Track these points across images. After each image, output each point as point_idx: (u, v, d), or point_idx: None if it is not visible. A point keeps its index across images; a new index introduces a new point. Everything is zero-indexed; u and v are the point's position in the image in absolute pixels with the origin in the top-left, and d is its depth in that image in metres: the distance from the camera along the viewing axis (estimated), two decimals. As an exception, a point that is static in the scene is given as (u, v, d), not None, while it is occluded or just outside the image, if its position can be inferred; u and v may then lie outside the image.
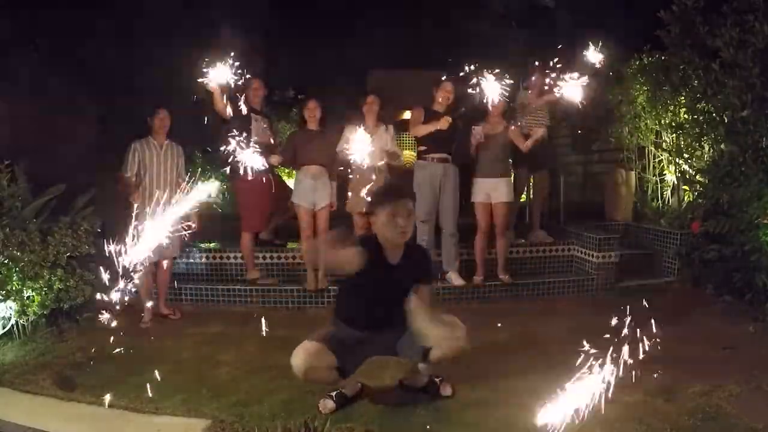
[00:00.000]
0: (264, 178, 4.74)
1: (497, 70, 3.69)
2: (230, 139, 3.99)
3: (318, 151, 4.60)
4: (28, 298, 3.68)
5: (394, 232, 2.58)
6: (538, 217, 5.63)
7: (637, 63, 5.87)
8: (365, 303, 2.71)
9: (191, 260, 5.13)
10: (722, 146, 4.68)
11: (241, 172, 3.96)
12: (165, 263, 4.41)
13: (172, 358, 3.48)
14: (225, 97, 4.41)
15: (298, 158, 4.66)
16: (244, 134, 4.60)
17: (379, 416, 2.63)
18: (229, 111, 4.56)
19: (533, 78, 5.45)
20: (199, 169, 7.57)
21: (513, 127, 4.79)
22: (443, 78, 4.75)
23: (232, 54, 3.99)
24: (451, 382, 2.87)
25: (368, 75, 8.11)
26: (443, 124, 4.45)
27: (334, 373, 2.64)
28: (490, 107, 4.76)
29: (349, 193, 4.73)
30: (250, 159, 3.83)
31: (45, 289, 3.72)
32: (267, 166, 4.34)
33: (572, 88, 3.69)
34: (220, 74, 4.02)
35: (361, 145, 3.68)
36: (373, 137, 4.65)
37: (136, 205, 4.12)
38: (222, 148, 4.13)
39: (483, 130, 4.67)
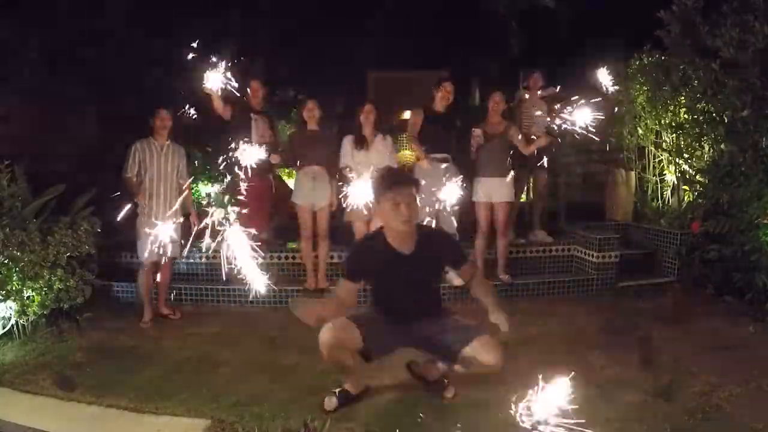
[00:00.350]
0: (264, 179, 4.76)
1: None
2: (231, 140, 4.00)
3: (318, 151, 4.60)
4: (28, 298, 3.68)
5: (397, 220, 2.51)
6: (539, 217, 5.63)
7: (637, 63, 5.87)
8: (387, 297, 2.70)
9: (191, 260, 5.13)
10: (722, 146, 4.68)
11: (242, 174, 3.92)
12: (165, 263, 4.42)
13: (172, 358, 3.48)
14: (223, 98, 4.42)
15: (299, 158, 4.66)
16: (245, 134, 4.64)
17: (379, 416, 2.63)
18: (228, 112, 4.58)
19: (533, 76, 5.47)
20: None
21: (513, 128, 4.79)
22: (443, 78, 4.75)
23: (228, 56, 3.99)
24: (452, 382, 2.87)
25: (368, 75, 8.11)
26: (423, 159, 4.55)
27: (357, 357, 2.60)
28: (491, 106, 4.76)
29: (348, 201, 4.74)
30: (249, 155, 3.78)
31: (45, 289, 3.72)
32: (264, 162, 4.30)
33: (580, 114, 3.56)
34: (215, 78, 4.02)
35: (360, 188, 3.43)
36: (371, 148, 4.63)
37: (141, 204, 4.15)
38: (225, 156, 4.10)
39: (483, 131, 4.68)
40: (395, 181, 2.56)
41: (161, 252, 4.15)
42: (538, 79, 5.45)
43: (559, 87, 5.49)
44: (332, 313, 2.54)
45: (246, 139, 4.54)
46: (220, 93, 4.32)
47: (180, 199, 4.32)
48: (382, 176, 2.66)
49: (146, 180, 4.21)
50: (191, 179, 4.66)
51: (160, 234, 3.59)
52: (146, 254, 4.20)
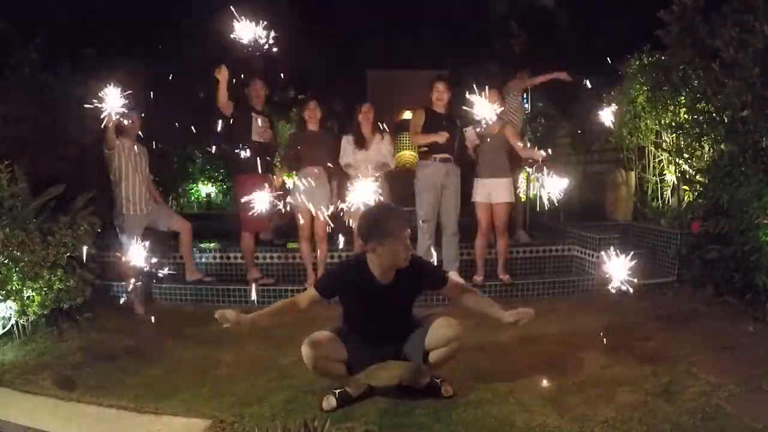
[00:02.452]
0: (263, 177, 4.76)
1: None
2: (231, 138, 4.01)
3: (319, 152, 4.60)
4: (28, 298, 3.68)
5: (401, 258, 2.56)
6: (520, 216, 5.68)
7: (637, 63, 5.87)
8: (361, 323, 2.74)
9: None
10: (722, 146, 4.67)
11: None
12: (185, 229, 4.74)
13: (172, 358, 3.48)
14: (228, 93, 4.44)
15: (299, 158, 4.66)
16: (245, 132, 4.64)
17: (379, 416, 2.63)
18: (230, 108, 4.58)
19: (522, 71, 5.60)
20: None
21: (509, 127, 4.78)
22: (435, 78, 4.74)
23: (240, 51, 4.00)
24: (452, 382, 2.87)
25: (367, 75, 8.11)
26: (441, 138, 4.50)
27: (342, 367, 2.65)
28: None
29: (349, 201, 4.73)
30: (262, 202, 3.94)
31: (45, 289, 3.72)
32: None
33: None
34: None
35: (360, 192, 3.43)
36: (370, 147, 4.64)
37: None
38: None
39: (479, 131, 4.66)
40: (405, 221, 2.58)
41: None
42: (526, 73, 5.60)
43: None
44: (262, 316, 2.59)
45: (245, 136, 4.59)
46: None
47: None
48: (386, 218, 2.56)
49: (124, 177, 4.38)
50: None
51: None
52: (132, 249, 4.30)
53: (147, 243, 4.10)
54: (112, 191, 4.45)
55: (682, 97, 5.32)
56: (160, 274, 4.59)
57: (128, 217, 4.37)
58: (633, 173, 6.35)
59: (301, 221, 4.64)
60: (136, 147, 4.50)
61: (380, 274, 2.63)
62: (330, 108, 5.04)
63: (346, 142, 4.63)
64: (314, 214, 4.63)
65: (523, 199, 6.29)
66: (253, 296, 4.17)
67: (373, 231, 2.52)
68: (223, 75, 4.39)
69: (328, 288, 2.72)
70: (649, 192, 6.28)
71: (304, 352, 2.57)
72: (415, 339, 2.73)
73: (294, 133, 5.21)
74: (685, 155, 5.52)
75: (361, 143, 4.59)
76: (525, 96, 6.25)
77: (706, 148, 5.20)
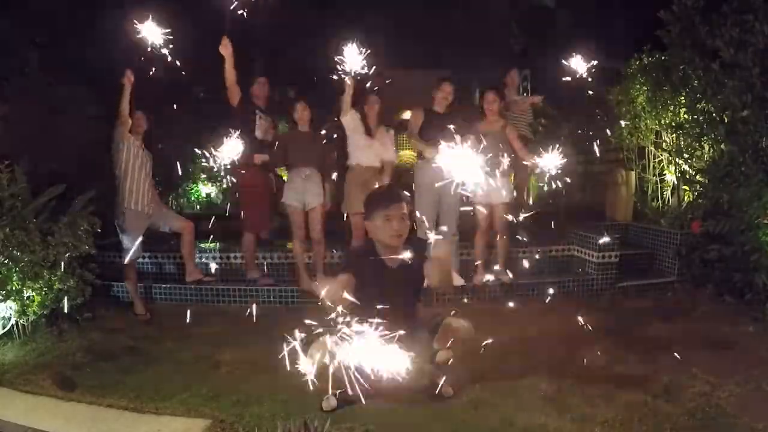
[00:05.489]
0: (264, 178, 4.77)
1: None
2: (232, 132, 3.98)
3: (309, 151, 4.59)
4: (28, 298, 3.68)
5: (389, 236, 2.62)
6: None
7: (637, 63, 5.87)
8: (369, 310, 2.71)
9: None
10: (722, 146, 4.67)
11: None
12: (188, 228, 4.69)
13: (172, 358, 3.49)
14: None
15: (290, 159, 4.65)
16: (248, 128, 4.63)
17: (379, 416, 2.63)
18: (237, 97, 4.57)
19: (510, 73, 5.61)
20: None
21: (510, 127, 4.76)
22: (442, 78, 4.74)
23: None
24: (452, 382, 2.87)
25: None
26: (429, 153, 4.44)
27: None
28: (485, 106, 4.75)
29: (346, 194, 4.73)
30: (230, 150, 3.66)
31: (45, 289, 3.72)
32: (247, 158, 4.33)
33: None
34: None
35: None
36: (374, 138, 4.66)
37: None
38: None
39: (480, 128, 4.66)
40: (387, 198, 2.68)
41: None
42: (515, 76, 5.57)
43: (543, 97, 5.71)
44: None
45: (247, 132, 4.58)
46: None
47: None
48: (374, 193, 2.82)
49: (129, 171, 4.35)
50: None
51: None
52: (133, 249, 4.33)
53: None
54: (116, 186, 4.39)
55: (682, 97, 5.31)
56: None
57: (129, 213, 4.32)
58: (633, 173, 6.35)
59: (294, 221, 4.62)
60: (143, 149, 4.48)
61: (386, 256, 2.69)
62: (328, 109, 5.03)
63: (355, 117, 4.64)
64: (307, 212, 4.62)
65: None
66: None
67: (366, 207, 2.76)
68: (228, 50, 4.34)
69: (352, 266, 2.68)
70: (649, 192, 6.27)
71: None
72: (422, 339, 2.72)
73: (285, 134, 5.19)
74: (685, 155, 5.51)
75: (366, 132, 4.64)
76: (525, 94, 6.23)
77: (706, 148, 5.19)
